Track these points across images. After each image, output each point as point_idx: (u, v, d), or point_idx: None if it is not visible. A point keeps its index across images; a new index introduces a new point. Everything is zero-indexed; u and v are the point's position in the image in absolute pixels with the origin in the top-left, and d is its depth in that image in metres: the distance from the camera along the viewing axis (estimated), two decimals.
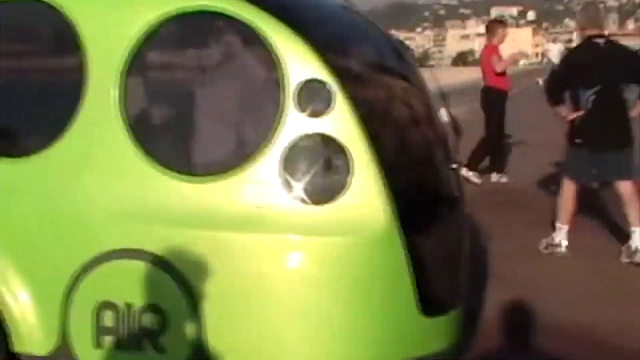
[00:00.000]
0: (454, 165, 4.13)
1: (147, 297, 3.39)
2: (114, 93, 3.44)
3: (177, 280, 3.34)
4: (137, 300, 3.40)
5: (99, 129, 3.49)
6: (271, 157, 3.31)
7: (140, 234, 3.41)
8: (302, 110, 3.33)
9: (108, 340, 3.46)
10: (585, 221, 7.71)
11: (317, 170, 3.39)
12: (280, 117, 3.31)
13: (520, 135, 14.47)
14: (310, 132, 3.35)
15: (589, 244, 7.21)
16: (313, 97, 3.34)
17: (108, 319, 3.44)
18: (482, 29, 73.30)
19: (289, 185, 3.32)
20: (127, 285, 3.41)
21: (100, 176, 3.49)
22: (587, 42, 7.02)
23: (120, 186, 3.47)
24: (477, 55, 34.56)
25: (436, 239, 3.72)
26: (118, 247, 3.40)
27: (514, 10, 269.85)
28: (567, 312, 5.36)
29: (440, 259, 3.70)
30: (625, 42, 11.11)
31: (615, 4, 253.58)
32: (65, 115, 3.51)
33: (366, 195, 3.33)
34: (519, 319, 5.30)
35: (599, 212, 8.23)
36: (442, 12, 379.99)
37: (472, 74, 26.65)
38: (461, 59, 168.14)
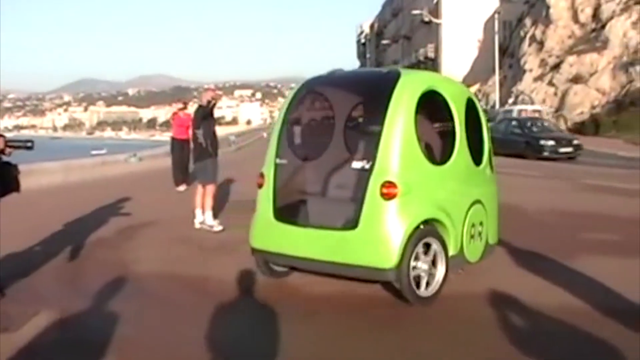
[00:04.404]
0: None
1: (480, 217, 7.94)
2: (462, 131, 7.64)
3: (484, 206, 8.00)
4: (481, 219, 7.96)
5: (462, 147, 7.68)
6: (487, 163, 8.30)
7: (474, 193, 7.88)
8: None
9: (472, 240, 7.77)
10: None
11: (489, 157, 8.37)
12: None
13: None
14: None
15: None
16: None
17: (475, 231, 7.84)
18: (231, 103, 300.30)
19: (488, 164, 8.34)
20: (478, 214, 7.88)
21: (466, 171, 7.84)
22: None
23: (473, 175, 7.99)
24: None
25: None
26: (474, 199, 7.83)
27: (249, 91, 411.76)
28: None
29: None
30: None
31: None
32: (452, 143, 7.56)
33: (487, 163, 8.29)
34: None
35: None
36: None
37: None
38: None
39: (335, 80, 8.19)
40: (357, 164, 7.01)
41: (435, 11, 73.27)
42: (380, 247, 6.75)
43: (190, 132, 14.44)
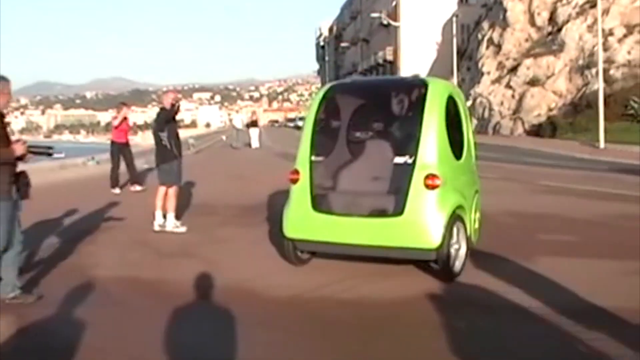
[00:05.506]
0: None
1: (479, 205, 9.37)
2: (468, 130, 9.33)
3: (479, 195, 9.48)
4: (479, 207, 9.38)
5: (469, 145, 9.26)
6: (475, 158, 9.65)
7: (475, 185, 9.34)
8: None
9: (474, 224, 8.94)
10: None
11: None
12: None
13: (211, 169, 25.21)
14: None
15: None
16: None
17: (475, 216, 9.06)
18: (190, 106, 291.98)
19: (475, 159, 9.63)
20: (478, 202, 9.29)
21: (471, 165, 9.33)
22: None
23: (473, 169, 9.43)
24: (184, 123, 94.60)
25: None
26: (475, 189, 9.28)
27: (207, 94, 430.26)
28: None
29: None
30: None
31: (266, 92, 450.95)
32: (462, 140, 8.98)
33: (475, 158, 9.67)
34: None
35: None
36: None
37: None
38: None
39: (361, 86, 10.10)
40: (399, 159, 8.05)
41: (394, 14, 73.75)
42: (426, 231, 7.82)
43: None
